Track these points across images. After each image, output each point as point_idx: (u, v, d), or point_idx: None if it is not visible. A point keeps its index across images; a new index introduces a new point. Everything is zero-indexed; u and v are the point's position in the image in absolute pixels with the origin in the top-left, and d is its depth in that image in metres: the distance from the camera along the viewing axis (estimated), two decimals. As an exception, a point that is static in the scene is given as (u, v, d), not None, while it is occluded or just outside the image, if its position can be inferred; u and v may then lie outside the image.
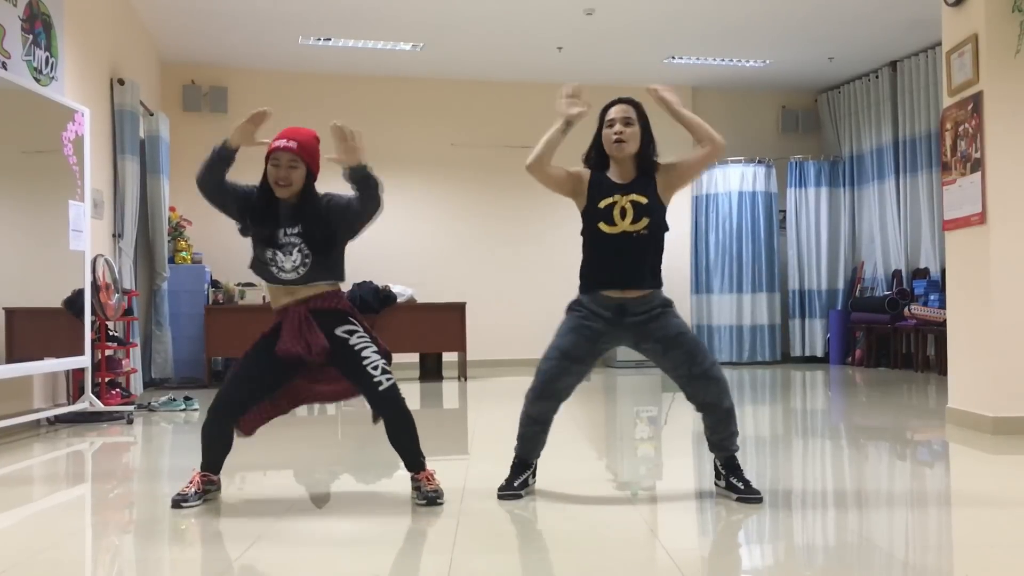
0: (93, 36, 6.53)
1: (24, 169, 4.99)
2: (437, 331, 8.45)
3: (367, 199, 3.12)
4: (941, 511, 3.05)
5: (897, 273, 9.36)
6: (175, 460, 4.36)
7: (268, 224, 3.15)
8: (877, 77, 9.75)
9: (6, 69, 4.94)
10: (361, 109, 9.81)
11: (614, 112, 3.24)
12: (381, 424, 3.19)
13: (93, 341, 5.70)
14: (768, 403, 6.47)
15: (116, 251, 6.88)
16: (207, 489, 3.19)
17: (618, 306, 3.15)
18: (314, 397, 3.32)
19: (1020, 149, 4.76)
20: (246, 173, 3.35)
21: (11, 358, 4.72)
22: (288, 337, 3.10)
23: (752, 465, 3.74)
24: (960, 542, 2.68)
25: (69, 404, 5.65)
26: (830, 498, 3.22)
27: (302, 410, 6.30)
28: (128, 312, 6.65)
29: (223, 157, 3.14)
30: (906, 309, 8.68)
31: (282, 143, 3.12)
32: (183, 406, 6.23)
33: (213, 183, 3.19)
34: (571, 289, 3.33)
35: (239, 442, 3.27)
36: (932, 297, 8.46)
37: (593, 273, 3.22)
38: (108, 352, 6.18)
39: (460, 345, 8.49)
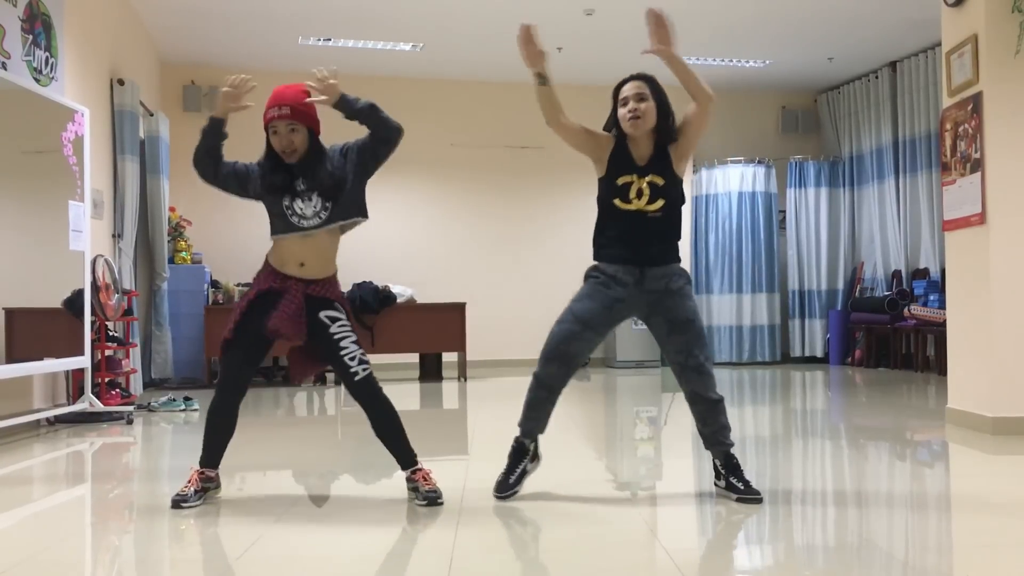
0: (93, 36, 6.53)
1: (24, 169, 4.99)
2: (437, 331, 8.44)
3: (377, 129, 3.16)
4: (941, 511, 3.05)
5: (897, 273, 9.36)
6: (175, 460, 4.36)
7: (282, 176, 3.14)
8: (877, 77, 9.75)
9: (6, 69, 4.94)
10: (361, 109, 9.80)
11: (627, 89, 3.24)
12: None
13: (93, 341, 5.70)
14: (768, 403, 6.47)
15: (116, 251, 6.88)
16: (206, 487, 3.18)
17: (639, 271, 3.16)
18: (292, 363, 3.31)
19: (1020, 149, 4.76)
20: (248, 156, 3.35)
21: (11, 358, 4.72)
22: (283, 317, 3.08)
23: (752, 465, 3.74)
24: (960, 542, 2.68)
25: (69, 404, 5.65)
26: (830, 498, 3.22)
27: (302, 410, 6.30)
28: (128, 312, 6.65)
29: (215, 129, 3.16)
30: (906, 309, 8.69)
31: (275, 112, 3.12)
32: (183, 406, 6.23)
33: (210, 162, 3.19)
34: (572, 290, 3.33)
35: (238, 441, 3.27)
36: (932, 297, 8.46)
37: (607, 245, 3.22)
38: (108, 352, 6.18)
39: (460, 345, 8.49)
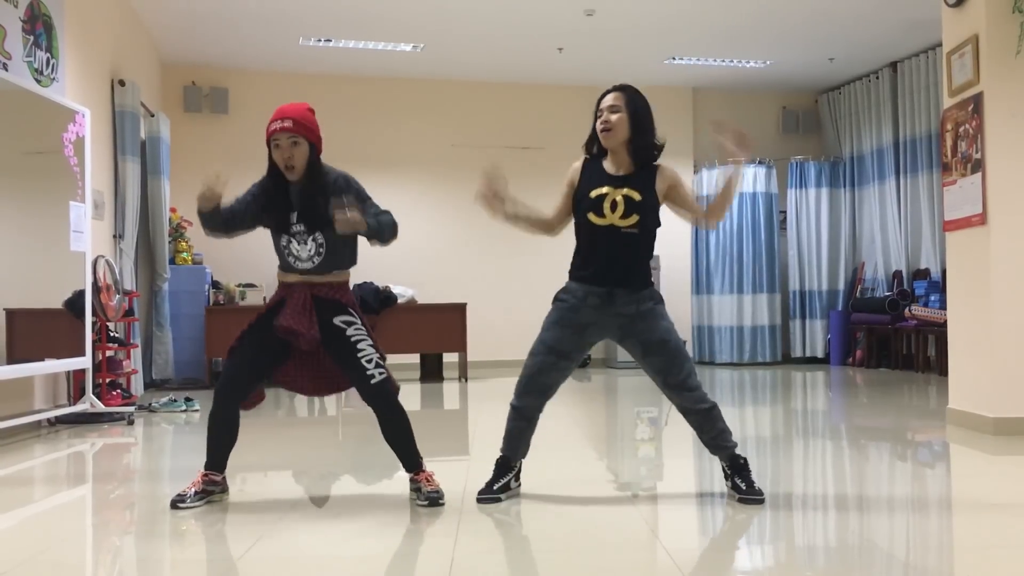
0: (94, 37, 6.53)
1: (25, 170, 4.99)
2: (438, 332, 8.45)
3: (382, 240, 3.16)
4: (942, 512, 3.05)
5: (898, 274, 9.36)
6: (176, 461, 4.36)
7: (280, 208, 3.15)
8: (877, 78, 9.75)
9: (7, 70, 4.94)
10: (361, 110, 9.82)
11: (604, 101, 3.21)
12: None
13: (94, 342, 5.70)
14: (769, 404, 6.47)
15: (117, 252, 6.88)
16: (208, 490, 3.18)
17: (607, 293, 3.14)
18: (299, 387, 3.28)
19: (1020, 150, 4.76)
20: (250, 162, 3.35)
21: (12, 359, 4.72)
22: (290, 313, 3.08)
23: (753, 466, 3.72)
24: (961, 543, 2.68)
25: (70, 405, 5.65)
26: (831, 499, 3.22)
27: (303, 411, 6.30)
28: (129, 313, 6.65)
29: (207, 213, 3.16)
30: (907, 310, 8.69)
31: (278, 124, 3.09)
32: (184, 407, 6.23)
33: (219, 227, 3.22)
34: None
35: (241, 442, 3.27)
36: (933, 298, 8.46)
37: (582, 264, 3.21)
38: (109, 353, 6.19)
39: (461, 346, 8.49)
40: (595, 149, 3.29)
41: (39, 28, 5.42)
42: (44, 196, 5.12)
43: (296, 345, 3.13)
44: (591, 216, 3.15)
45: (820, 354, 10.19)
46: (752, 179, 10.15)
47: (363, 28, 8.31)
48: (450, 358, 9.03)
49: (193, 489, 3.14)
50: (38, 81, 5.36)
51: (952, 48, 5.08)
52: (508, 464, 3.28)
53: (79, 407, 5.48)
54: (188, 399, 6.35)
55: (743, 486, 3.14)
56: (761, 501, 3.09)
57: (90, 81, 6.43)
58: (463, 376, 8.59)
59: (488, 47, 8.95)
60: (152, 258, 7.78)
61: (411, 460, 3.20)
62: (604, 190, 3.15)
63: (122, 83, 7.03)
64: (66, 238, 5.27)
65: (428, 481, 3.16)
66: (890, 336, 9.16)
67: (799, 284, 10.27)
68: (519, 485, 3.33)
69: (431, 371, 8.85)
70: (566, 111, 10.19)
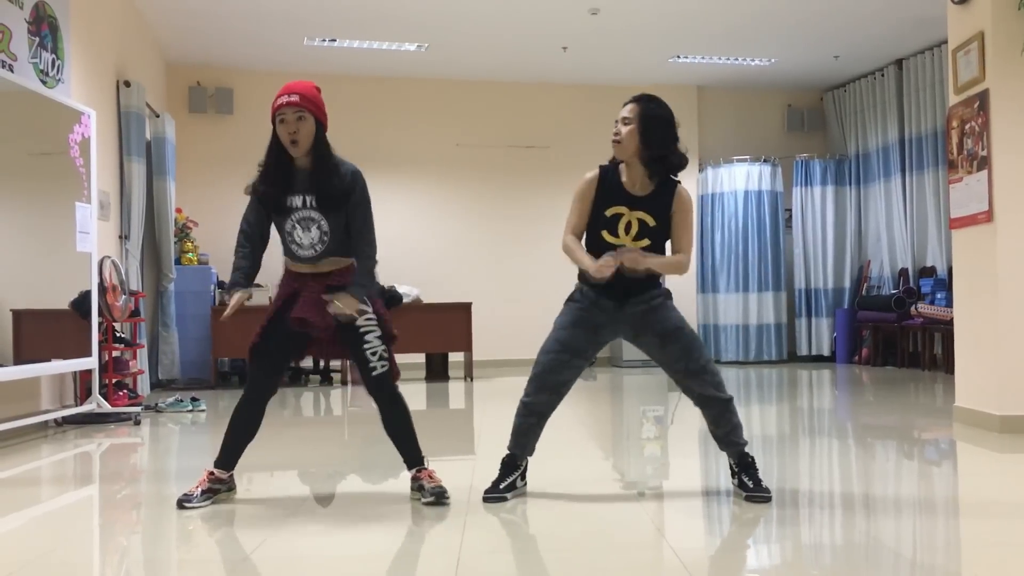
0: (99, 38, 6.55)
1: (31, 171, 5.00)
2: (443, 331, 8.45)
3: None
4: (948, 510, 3.04)
5: (903, 271, 9.34)
6: (182, 461, 4.37)
7: (281, 190, 3.10)
8: (883, 75, 9.73)
9: (13, 71, 4.96)
10: (366, 110, 9.83)
11: (621, 112, 3.17)
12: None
13: (100, 342, 5.72)
14: (775, 402, 6.46)
15: (123, 252, 6.90)
16: (215, 488, 3.18)
17: (618, 299, 3.16)
18: (329, 354, 3.34)
19: (1027, 147, 4.75)
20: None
21: (19, 359, 4.74)
22: (304, 306, 3.08)
23: (759, 464, 3.71)
24: (968, 541, 2.67)
25: (76, 405, 5.67)
26: (837, 497, 3.21)
27: (308, 410, 6.31)
28: (135, 313, 6.66)
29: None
30: (913, 308, 8.66)
31: (284, 99, 3.05)
32: (190, 407, 6.24)
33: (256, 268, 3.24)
34: (577, 289, 3.33)
35: (246, 443, 3.27)
36: (939, 295, 8.44)
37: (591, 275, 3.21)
38: (115, 353, 6.20)
39: (466, 345, 8.50)
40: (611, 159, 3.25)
41: (44, 29, 5.43)
42: (50, 197, 5.14)
43: (312, 333, 3.14)
44: (604, 234, 3.16)
45: (826, 352, 10.17)
46: (757, 177, 10.13)
47: (367, 28, 8.31)
48: (455, 357, 9.03)
49: (199, 489, 3.15)
50: (44, 82, 5.38)
51: (958, 45, 5.07)
52: (514, 463, 3.28)
53: (86, 407, 5.49)
54: (194, 399, 6.36)
55: (750, 484, 3.14)
56: (768, 499, 3.09)
57: (95, 82, 6.44)
58: (468, 376, 8.60)
59: (492, 46, 8.95)
60: (158, 258, 7.80)
61: (412, 455, 3.20)
62: (620, 210, 3.14)
63: (127, 84, 7.04)
64: (72, 239, 5.28)
65: (431, 478, 3.16)
66: (896, 334, 9.14)
67: (804, 282, 10.26)
68: (525, 484, 3.32)
69: (436, 371, 8.86)
70: (571, 110, 10.19)
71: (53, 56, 5.53)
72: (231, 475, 3.25)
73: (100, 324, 5.70)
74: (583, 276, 3.25)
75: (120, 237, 6.92)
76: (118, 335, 6.29)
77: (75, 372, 5.76)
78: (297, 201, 3.10)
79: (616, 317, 3.18)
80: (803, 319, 10.28)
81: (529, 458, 3.33)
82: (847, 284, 10.17)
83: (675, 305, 3.24)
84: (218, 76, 9.48)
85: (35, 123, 5.02)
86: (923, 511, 3.00)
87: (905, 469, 3.82)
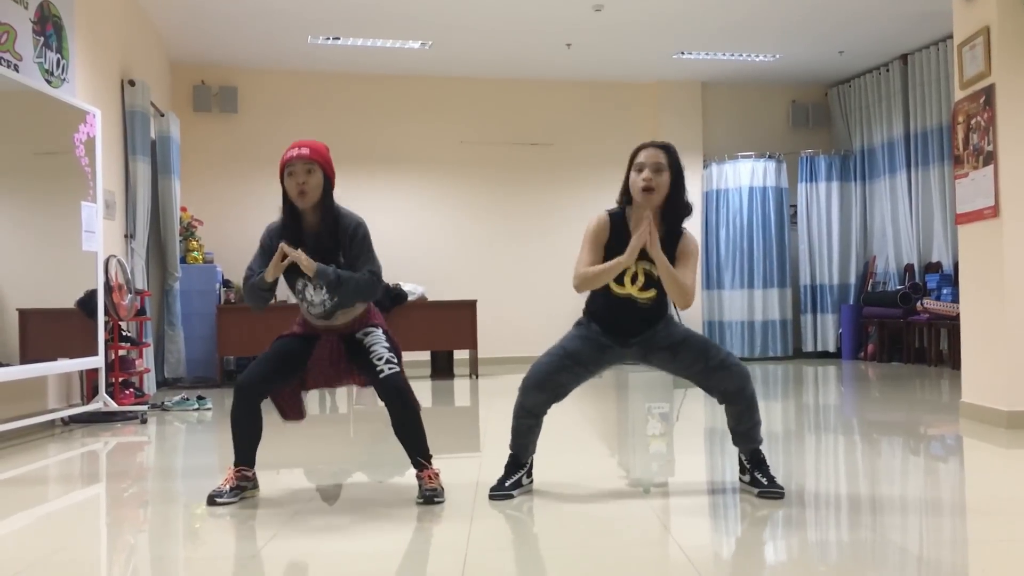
0: (103, 37, 6.56)
1: (36, 171, 5.02)
2: (448, 329, 8.46)
3: (341, 295, 3.14)
4: (955, 507, 3.03)
5: (909, 267, 9.31)
6: (189, 459, 4.38)
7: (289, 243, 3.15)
8: (888, 70, 9.70)
9: (18, 71, 4.97)
10: (370, 107, 9.83)
11: (644, 156, 3.11)
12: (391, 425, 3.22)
13: (106, 341, 5.73)
14: (781, 399, 6.45)
15: (128, 251, 6.91)
16: (242, 485, 3.21)
17: (623, 337, 3.20)
18: (325, 382, 3.35)
19: (1033, 141, 4.73)
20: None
21: (25, 359, 4.75)
22: (321, 368, 3.22)
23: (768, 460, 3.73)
24: (975, 538, 2.67)
25: (83, 404, 5.68)
26: (844, 494, 3.21)
27: (314, 408, 6.32)
28: (141, 312, 6.68)
29: (269, 285, 3.20)
30: (919, 303, 8.65)
31: (294, 152, 3.11)
32: (196, 405, 6.26)
33: (264, 299, 3.26)
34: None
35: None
36: (945, 291, 8.42)
37: (597, 317, 3.23)
38: (121, 352, 6.22)
39: (471, 343, 8.50)
40: (624, 202, 3.21)
41: (49, 29, 5.44)
42: (56, 196, 5.15)
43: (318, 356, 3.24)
44: (612, 284, 3.15)
45: (832, 348, 10.15)
46: (762, 173, 10.12)
47: (371, 26, 8.31)
48: (460, 355, 9.04)
49: (228, 485, 3.17)
50: (48, 82, 5.39)
51: (963, 40, 5.05)
52: (518, 462, 3.28)
53: (92, 406, 5.51)
54: (200, 397, 6.37)
55: (764, 480, 3.14)
56: (781, 495, 3.09)
57: (100, 81, 6.45)
58: (473, 373, 8.60)
59: (496, 43, 8.94)
60: (163, 257, 7.81)
61: (417, 457, 3.21)
62: None
63: (132, 83, 7.05)
64: (78, 238, 5.29)
65: (429, 479, 3.16)
66: (902, 330, 9.13)
67: (810, 278, 10.24)
68: (531, 481, 3.33)
69: (442, 368, 8.86)
70: (574, 107, 10.18)
71: (58, 56, 5.54)
72: (254, 472, 3.27)
73: (106, 323, 5.72)
74: (589, 310, 3.26)
75: (125, 236, 6.93)
76: (124, 334, 6.31)
77: (81, 371, 5.78)
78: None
79: (621, 350, 3.22)
80: (808, 315, 10.26)
81: (533, 456, 3.33)
82: (852, 280, 10.15)
83: (678, 323, 3.27)
84: (222, 75, 9.49)
85: (40, 123, 5.03)
86: (930, 508, 2.99)
87: (912, 465, 3.81)
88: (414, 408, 3.18)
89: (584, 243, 3.20)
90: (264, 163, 8.95)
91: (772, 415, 5.52)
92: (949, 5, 5.27)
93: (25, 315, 4.80)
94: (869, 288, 9.90)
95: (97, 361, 5.47)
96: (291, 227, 3.18)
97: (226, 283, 8.51)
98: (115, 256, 6.12)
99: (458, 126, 10.10)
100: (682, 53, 9.33)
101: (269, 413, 3.26)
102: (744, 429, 3.19)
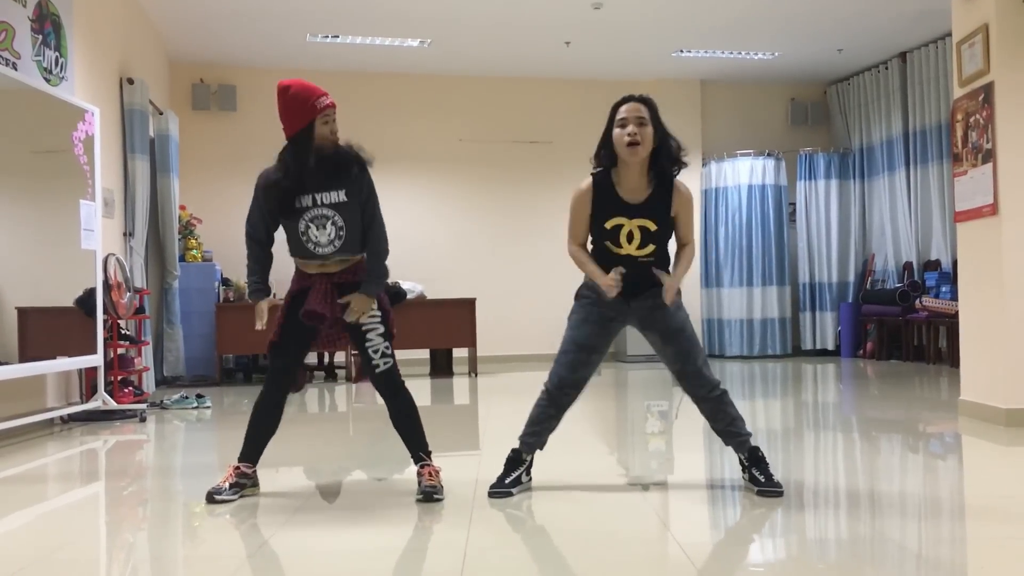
0: (102, 36, 6.55)
1: (35, 169, 5.01)
2: (447, 327, 8.46)
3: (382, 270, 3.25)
4: (954, 504, 3.04)
5: (908, 265, 9.32)
6: (188, 457, 4.39)
7: (296, 193, 3.14)
8: (887, 68, 9.70)
9: (16, 69, 4.96)
10: (369, 106, 9.82)
11: (626, 110, 3.10)
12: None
13: (105, 340, 5.73)
14: (779, 397, 6.45)
15: (127, 250, 6.91)
16: (241, 483, 3.21)
17: (624, 296, 3.19)
18: (332, 346, 3.39)
19: (1032, 139, 4.73)
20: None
21: (24, 357, 4.75)
22: (314, 300, 3.14)
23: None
24: (973, 535, 2.67)
25: (82, 403, 5.68)
26: (842, 492, 3.21)
27: (313, 407, 6.32)
28: (140, 310, 6.68)
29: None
30: (917, 301, 8.65)
31: (326, 100, 3.15)
32: (195, 404, 6.25)
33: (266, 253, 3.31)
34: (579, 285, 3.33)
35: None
36: (944, 289, 8.43)
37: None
38: (120, 350, 6.22)
39: (470, 341, 8.50)
40: (604, 157, 3.18)
41: (48, 27, 5.44)
42: (54, 195, 5.15)
43: (320, 326, 3.21)
44: (609, 245, 3.17)
45: (830, 346, 10.16)
46: (761, 171, 10.12)
47: (370, 24, 8.31)
48: (459, 353, 9.04)
49: (227, 483, 3.18)
50: (47, 80, 5.38)
51: (962, 38, 5.05)
52: (519, 458, 3.29)
53: (91, 405, 5.51)
54: (199, 396, 6.37)
55: (762, 479, 3.14)
56: (780, 493, 3.09)
57: (99, 80, 6.45)
58: (473, 371, 8.60)
59: (495, 42, 8.94)
60: (162, 255, 7.81)
61: (416, 451, 3.21)
62: (620, 220, 3.13)
63: (131, 81, 7.05)
64: (77, 236, 5.29)
65: (429, 476, 3.17)
66: (901, 328, 9.13)
67: (809, 276, 10.24)
68: (530, 479, 3.33)
69: (441, 366, 8.86)
70: (573, 105, 10.18)
71: (56, 54, 5.54)
72: (255, 470, 3.26)
73: (105, 321, 5.71)
74: (589, 280, 3.27)
75: (124, 234, 6.93)
76: (123, 332, 6.31)
77: (80, 369, 5.78)
78: (307, 200, 3.14)
79: (624, 311, 3.22)
80: (807, 313, 10.27)
81: (538, 451, 3.34)
82: (851, 278, 10.16)
83: (682, 303, 3.27)
84: (221, 73, 9.49)
85: (39, 121, 5.02)
86: (928, 505, 2.99)
87: (910, 463, 3.82)
88: (410, 400, 3.21)
89: (571, 215, 3.25)
90: (263, 161, 8.81)
91: (771, 413, 5.53)
92: (948, 3, 5.27)
93: (24, 313, 4.80)
94: (868, 286, 9.90)
95: (96, 359, 5.47)
96: (299, 168, 3.13)
97: (225, 281, 8.50)
98: (114, 254, 6.12)
99: (457, 124, 10.10)
100: (681, 51, 9.33)
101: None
102: (723, 427, 3.21)
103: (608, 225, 3.14)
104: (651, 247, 3.14)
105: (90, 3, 6.23)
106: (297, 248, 3.20)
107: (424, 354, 8.87)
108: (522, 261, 10.11)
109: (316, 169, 3.12)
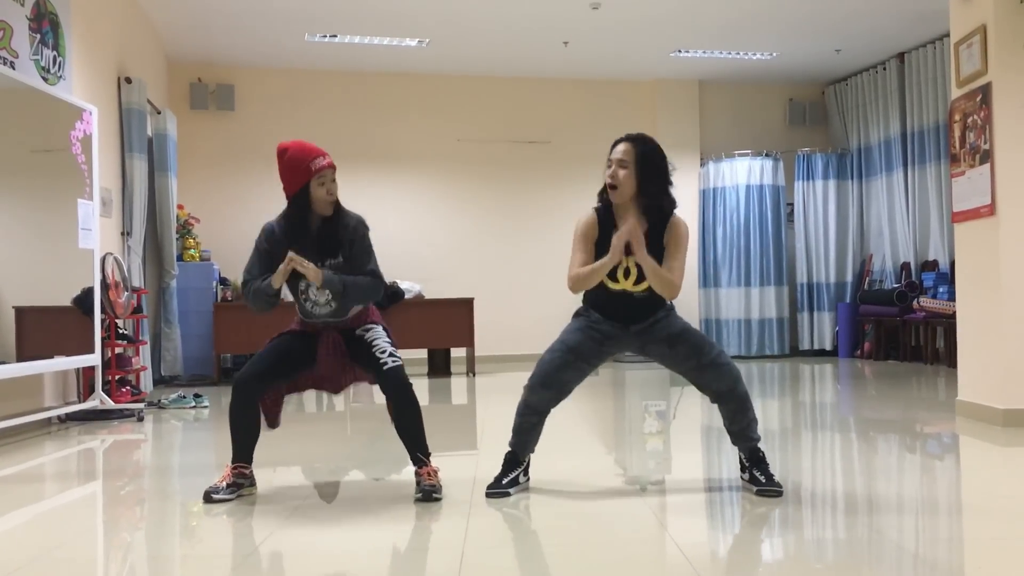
0: (100, 34, 6.54)
1: (33, 168, 5.01)
2: (445, 327, 8.46)
3: (345, 300, 3.20)
4: (951, 504, 3.04)
5: (906, 265, 9.33)
6: (186, 457, 4.38)
7: (296, 248, 3.17)
8: (885, 69, 9.71)
9: (14, 68, 4.96)
10: (367, 105, 9.82)
11: (614, 153, 3.17)
12: (391, 422, 3.22)
13: (103, 339, 5.72)
14: (777, 396, 6.46)
15: (125, 249, 6.90)
16: (239, 483, 3.21)
17: (623, 322, 3.21)
18: (319, 385, 3.36)
19: (1029, 140, 4.74)
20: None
21: (21, 357, 4.74)
22: (324, 361, 3.22)
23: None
24: (970, 535, 2.68)
25: (80, 402, 5.67)
26: (840, 492, 3.21)
27: (311, 406, 6.32)
28: (137, 310, 6.67)
29: (276, 291, 3.21)
30: (915, 301, 8.66)
31: (324, 161, 3.18)
32: (193, 403, 6.25)
33: (270, 304, 3.26)
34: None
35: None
36: (941, 289, 8.43)
37: (595, 305, 3.25)
38: (118, 350, 6.21)
39: (468, 341, 8.50)
40: (604, 197, 3.23)
41: (45, 26, 5.43)
42: (52, 194, 5.14)
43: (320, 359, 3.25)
44: (606, 281, 3.17)
45: (828, 347, 10.16)
46: (759, 171, 10.12)
47: (368, 24, 8.30)
48: (457, 353, 9.04)
49: (224, 482, 3.18)
50: (45, 79, 5.38)
51: (960, 38, 5.06)
52: (516, 459, 3.29)
53: (89, 404, 5.50)
54: (197, 395, 6.37)
55: (762, 479, 3.14)
56: (780, 493, 3.09)
57: (97, 79, 6.44)
58: (471, 371, 8.60)
59: (493, 42, 8.94)
60: (160, 255, 7.80)
61: (416, 453, 3.21)
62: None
63: (128, 80, 7.04)
64: (74, 236, 5.28)
65: (428, 476, 3.17)
66: (899, 328, 9.14)
67: (807, 276, 10.25)
68: (528, 479, 3.33)
69: (439, 366, 8.86)
70: (571, 105, 10.18)
71: (54, 53, 5.53)
72: (252, 470, 3.27)
73: (103, 321, 5.71)
74: (587, 301, 3.28)
75: (122, 234, 6.93)
76: (121, 332, 6.30)
77: (78, 369, 5.77)
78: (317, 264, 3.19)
79: (622, 336, 3.22)
80: (805, 313, 10.27)
81: (531, 454, 3.34)
82: (849, 278, 10.16)
83: (678, 314, 3.28)
84: (219, 72, 9.47)
85: (37, 120, 5.02)
86: (926, 506, 3.00)
87: (908, 463, 3.82)
88: (415, 401, 3.20)
89: (574, 244, 3.24)
90: (261, 161, 8.93)
91: (769, 413, 5.53)
92: (946, 4, 5.27)
93: (21, 313, 4.79)
94: (866, 286, 9.91)
95: (94, 359, 5.46)
96: (296, 229, 3.20)
97: (223, 281, 8.50)
98: (112, 254, 6.11)
99: (455, 124, 10.09)
100: (679, 51, 9.33)
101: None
102: (738, 428, 3.19)
103: None
104: (647, 283, 3.15)
105: (88, 2, 6.22)
106: (299, 306, 3.29)
107: (422, 354, 8.86)
108: (520, 260, 10.11)
109: (316, 234, 3.20)
